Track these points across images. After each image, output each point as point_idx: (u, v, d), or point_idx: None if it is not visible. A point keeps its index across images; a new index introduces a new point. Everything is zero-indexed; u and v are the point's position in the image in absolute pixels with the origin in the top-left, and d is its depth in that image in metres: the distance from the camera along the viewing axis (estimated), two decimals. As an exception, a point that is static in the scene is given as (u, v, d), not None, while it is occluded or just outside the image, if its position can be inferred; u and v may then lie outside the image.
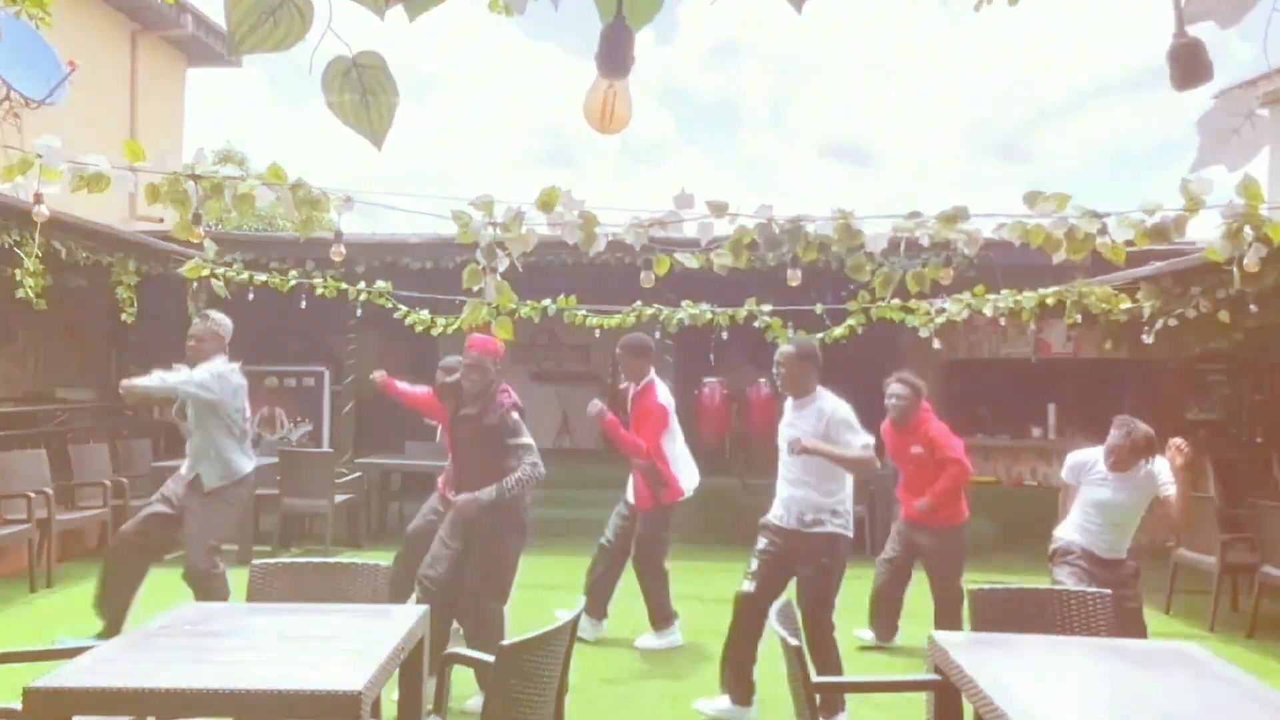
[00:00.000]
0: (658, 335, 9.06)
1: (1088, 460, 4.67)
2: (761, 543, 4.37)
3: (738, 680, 4.35)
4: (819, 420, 4.31)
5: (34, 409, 8.15)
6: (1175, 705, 2.58)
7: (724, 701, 4.37)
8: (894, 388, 5.48)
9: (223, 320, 5.17)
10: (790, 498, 4.33)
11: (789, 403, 4.50)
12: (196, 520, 4.88)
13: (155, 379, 4.90)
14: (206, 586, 4.75)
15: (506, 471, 4.21)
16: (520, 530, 4.39)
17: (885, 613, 5.64)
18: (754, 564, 4.34)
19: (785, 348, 4.49)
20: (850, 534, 4.35)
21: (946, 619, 5.15)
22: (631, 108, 1.89)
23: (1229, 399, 9.66)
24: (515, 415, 4.31)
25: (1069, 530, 4.68)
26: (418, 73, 63.12)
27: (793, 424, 4.40)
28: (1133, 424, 4.50)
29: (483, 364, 4.32)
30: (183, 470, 5.04)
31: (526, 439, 4.29)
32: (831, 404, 4.36)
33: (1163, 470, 4.49)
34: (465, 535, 4.31)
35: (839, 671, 4.25)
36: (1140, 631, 4.25)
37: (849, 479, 4.36)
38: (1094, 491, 4.59)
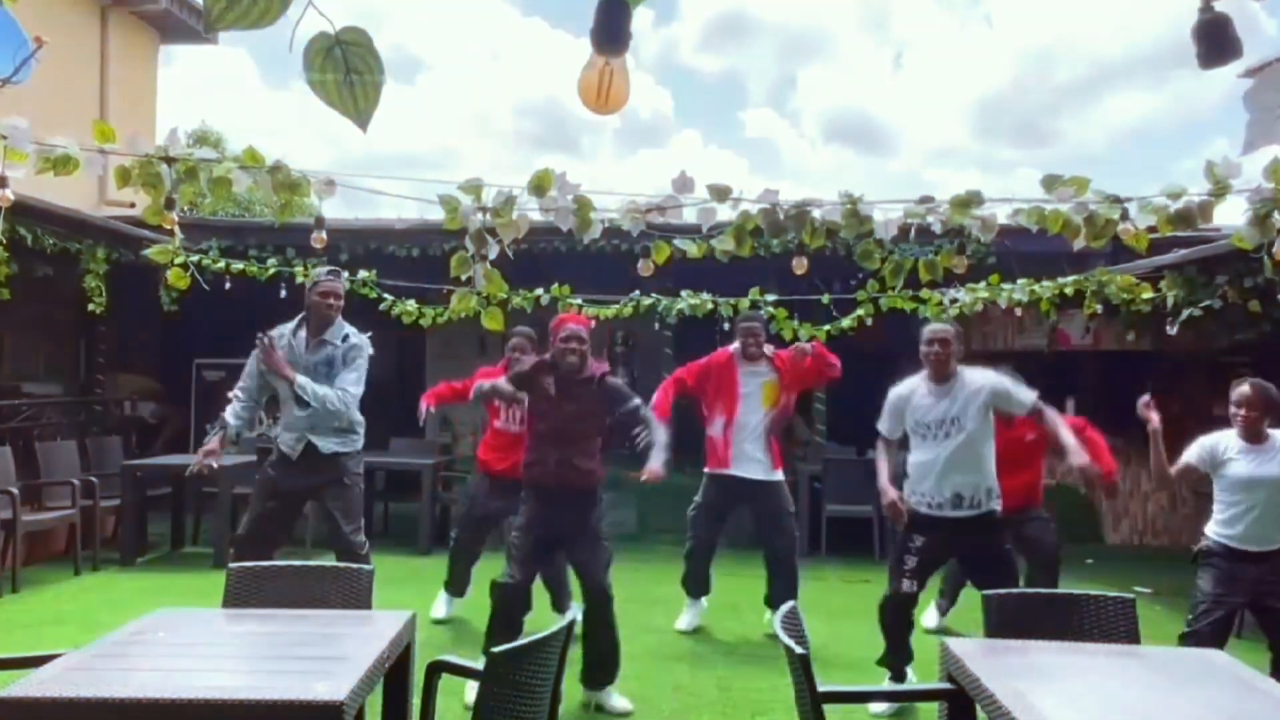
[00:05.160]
0: (656, 326, 9.09)
1: (1218, 442, 4.40)
2: (919, 540, 4.53)
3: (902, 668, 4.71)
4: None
5: (-2, 404, 8.14)
6: (1202, 715, 2.58)
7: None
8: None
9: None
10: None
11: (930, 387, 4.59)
12: None
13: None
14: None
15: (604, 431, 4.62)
16: None
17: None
18: (911, 562, 4.53)
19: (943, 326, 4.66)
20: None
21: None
22: (629, 87, 1.89)
23: (1257, 393, 9.63)
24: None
25: (1210, 526, 4.42)
26: (404, 51, 62.99)
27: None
28: (1250, 379, 4.34)
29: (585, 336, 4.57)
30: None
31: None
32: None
33: None
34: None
35: None
36: None
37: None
38: (1230, 470, 4.31)
